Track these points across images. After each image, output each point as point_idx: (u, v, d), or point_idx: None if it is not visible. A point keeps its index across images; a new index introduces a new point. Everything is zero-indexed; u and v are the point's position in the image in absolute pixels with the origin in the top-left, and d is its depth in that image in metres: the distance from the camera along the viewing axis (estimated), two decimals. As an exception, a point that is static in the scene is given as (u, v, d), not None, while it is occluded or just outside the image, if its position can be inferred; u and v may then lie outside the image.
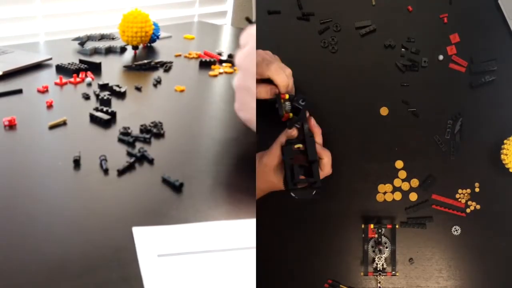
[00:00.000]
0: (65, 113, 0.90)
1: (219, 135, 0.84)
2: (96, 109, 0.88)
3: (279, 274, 0.77)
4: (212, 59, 1.24)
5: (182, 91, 1.02)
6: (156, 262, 0.52)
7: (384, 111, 0.78)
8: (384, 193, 0.78)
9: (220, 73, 1.18)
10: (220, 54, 1.35)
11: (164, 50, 1.36)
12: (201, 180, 0.69)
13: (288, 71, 0.73)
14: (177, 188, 0.66)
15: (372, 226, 0.75)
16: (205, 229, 0.58)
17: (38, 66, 1.14)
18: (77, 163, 0.71)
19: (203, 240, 0.56)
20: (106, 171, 0.69)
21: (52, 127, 0.82)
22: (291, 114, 0.71)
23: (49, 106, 0.92)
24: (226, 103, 0.99)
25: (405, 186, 0.77)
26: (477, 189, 0.77)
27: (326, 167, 0.70)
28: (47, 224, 0.58)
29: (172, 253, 0.54)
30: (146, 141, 0.78)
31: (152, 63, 1.19)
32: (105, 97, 0.93)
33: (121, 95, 0.98)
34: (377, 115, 0.78)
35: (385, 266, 0.75)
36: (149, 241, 0.55)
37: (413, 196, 0.77)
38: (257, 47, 0.79)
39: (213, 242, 0.56)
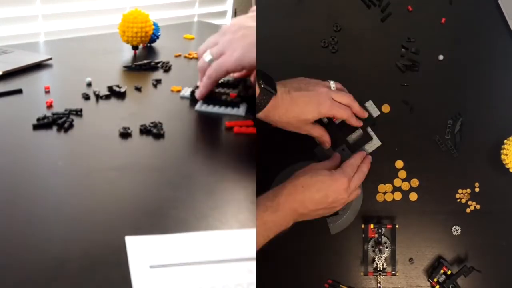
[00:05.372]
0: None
1: (219, 136, 0.84)
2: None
3: (279, 274, 0.77)
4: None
5: (178, 91, 1.02)
6: (149, 273, 0.51)
7: (385, 108, 0.78)
8: (384, 193, 0.78)
9: (220, 73, 1.18)
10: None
11: (164, 50, 1.36)
12: (201, 180, 0.69)
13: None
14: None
15: (372, 226, 0.75)
16: (200, 239, 0.57)
17: (38, 66, 1.14)
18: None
19: (198, 251, 0.55)
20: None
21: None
22: (437, 286, 0.75)
23: (49, 106, 0.92)
24: (226, 103, 0.99)
25: (405, 186, 0.77)
26: (477, 189, 0.77)
27: None
28: (47, 223, 0.58)
29: (165, 264, 0.53)
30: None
31: (152, 63, 1.19)
32: (104, 97, 0.93)
33: (121, 95, 0.98)
34: (377, 115, 0.78)
35: (385, 266, 0.75)
36: (142, 252, 0.53)
37: (413, 196, 0.77)
38: (257, 47, 0.79)
39: (208, 252, 0.55)
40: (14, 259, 0.52)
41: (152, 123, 0.84)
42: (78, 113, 0.88)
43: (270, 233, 0.68)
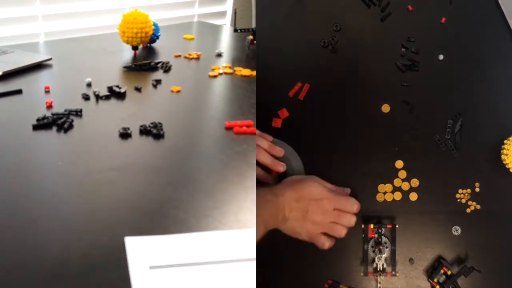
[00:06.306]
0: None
1: (219, 136, 0.84)
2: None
3: (279, 274, 0.77)
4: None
5: (178, 91, 1.02)
6: (148, 274, 0.51)
7: (386, 108, 0.78)
8: (384, 193, 0.78)
9: (220, 74, 1.18)
10: (219, 54, 1.35)
11: (164, 51, 1.36)
12: (201, 180, 0.69)
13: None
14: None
15: (372, 226, 0.75)
16: (200, 239, 0.57)
17: (38, 66, 1.14)
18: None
19: (197, 251, 0.55)
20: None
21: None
22: (438, 287, 0.74)
23: (49, 106, 0.92)
24: (225, 103, 0.99)
25: (405, 186, 0.77)
26: (477, 189, 0.77)
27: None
28: (47, 223, 0.58)
29: (165, 264, 0.53)
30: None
31: (152, 63, 1.19)
32: (104, 98, 0.93)
33: (121, 96, 0.98)
34: (377, 115, 0.78)
35: (385, 266, 0.75)
36: (142, 252, 0.54)
37: (413, 196, 0.77)
38: (257, 47, 0.79)
39: (208, 253, 0.55)
40: (14, 259, 0.52)
41: (152, 123, 0.84)
42: (78, 113, 0.88)
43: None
